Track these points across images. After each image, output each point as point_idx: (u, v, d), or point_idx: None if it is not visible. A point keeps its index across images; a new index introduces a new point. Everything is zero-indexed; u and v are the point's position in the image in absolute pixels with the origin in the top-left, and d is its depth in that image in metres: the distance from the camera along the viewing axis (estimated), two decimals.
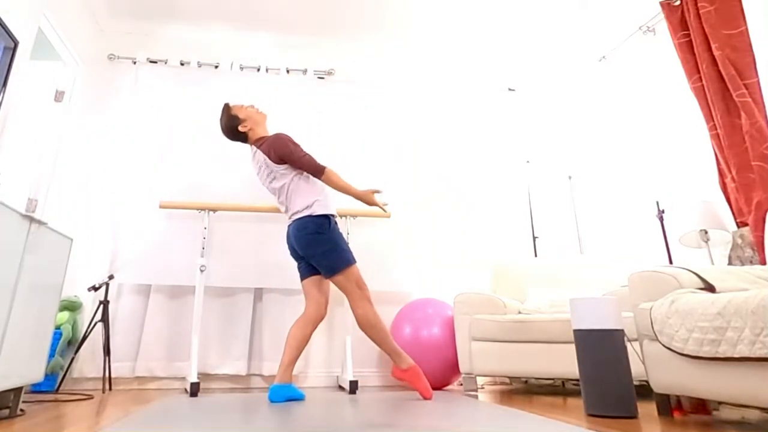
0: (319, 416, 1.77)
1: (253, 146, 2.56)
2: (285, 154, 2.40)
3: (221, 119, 2.59)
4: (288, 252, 2.53)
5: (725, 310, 1.41)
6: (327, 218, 2.39)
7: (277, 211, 2.99)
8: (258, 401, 2.22)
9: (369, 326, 2.33)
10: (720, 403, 1.88)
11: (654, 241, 2.93)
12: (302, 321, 2.39)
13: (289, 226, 2.46)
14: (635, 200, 3.20)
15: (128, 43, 3.53)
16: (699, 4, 2.68)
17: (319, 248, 2.35)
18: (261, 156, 2.48)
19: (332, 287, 2.46)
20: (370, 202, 2.46)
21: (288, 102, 3.50)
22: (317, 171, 2.40)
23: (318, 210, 2.37)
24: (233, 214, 3.15)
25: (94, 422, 1.65)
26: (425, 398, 2.27)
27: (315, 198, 2.40)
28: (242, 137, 2.56)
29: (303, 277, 2.48)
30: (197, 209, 2.99)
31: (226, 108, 2.59)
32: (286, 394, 2.24)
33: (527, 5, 3.47)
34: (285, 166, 2.43)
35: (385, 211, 2.58)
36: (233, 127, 2.55)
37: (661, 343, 1.64)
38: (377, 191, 2.48)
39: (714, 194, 2.60)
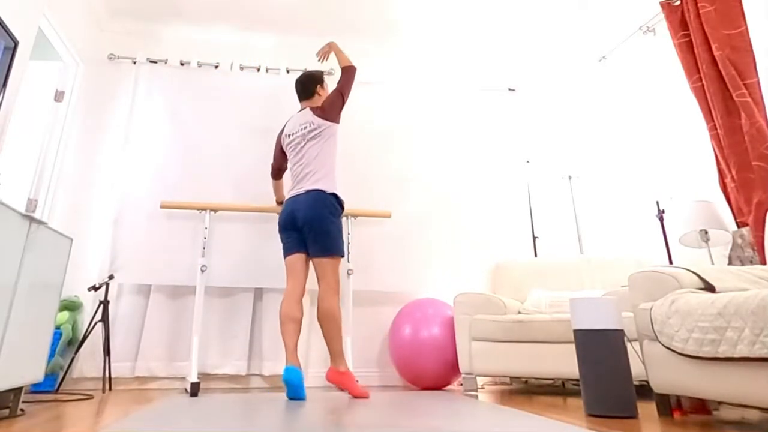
0: (319, 416, 1.77)
1: (306, 108, 2.69)
2: (333, 97, 2.64)
3: (313, 70, 2.81)
4: None
5: (725, 310, 1.41)
6: (342, 206, 2.52)
7: (278, 211, 2.99)
8: (258, 401, 2.22)
9: (330, 319, 2.36)
10: (720, 403, 1.88)
11: (654, 241, 2.93)
12: (294, 301, 2.40)
13: (297, 195, 2.48)
14: (635, 200, 3.20)
15: (128, 43, 3.53)
16: (699, 4, 2.68)
17: (328, 226, 2.42)
18: (312, 117, 2.61)
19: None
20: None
21: (288, 102, 3.49)
22: (352, 69, 2.75)
23: (338, 191, 2.51)
24: (234, 214, 3.15)
25: (94, 422, 1.65)
26: (363, 398, 2.29)
27: (336, 181, 2.54)
28: (308, 95, 2.72)
29: (291, 252, 2.49)
30: (198, 209, 2.99)
31: (323, 73, 2.85)
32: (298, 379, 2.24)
33: (527, 5, 3.47)
34: (334, 125, 2.60)
35: None
36: (316, 82, 2.74)
37: (661, 343, 1.64)
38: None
39: (714, 194, 2.59)
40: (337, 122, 2.62)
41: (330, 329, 2.35)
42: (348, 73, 2.72)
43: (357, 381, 2.38)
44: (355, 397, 2.32)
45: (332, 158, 2.57)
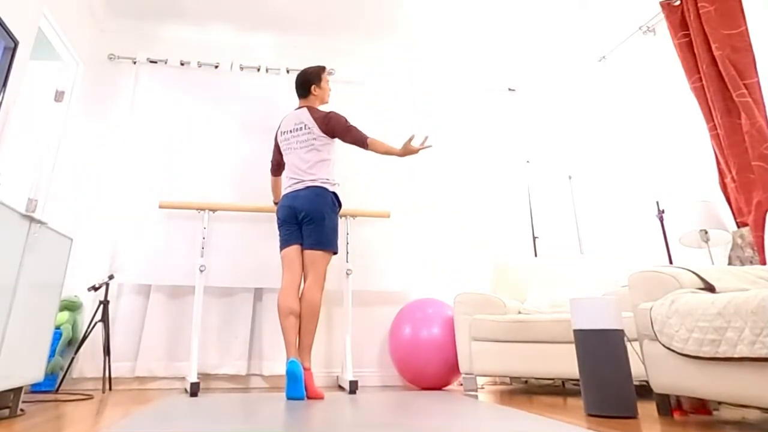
0: (319, 416, 1.77)
1: (302, 107, 2.68)
2: (338, 125, 2.57)
3: (308, 68, 2.76)
4: None
5: (725, 310, 1.41)
6: (340, 204, 2.59)
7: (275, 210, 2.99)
8: (258, 401, 2.22)
9: (312, 313, 2.39)
10: (720, 403, 1.88)
11: (654, 241, 2.93)
12: (293, 293, 2.40)
13: (298, 191, 2.51)
14: (635, 200, 3.20)
15: (128, 43, 3.53)
16: (699, 4, 2.68)
17: (327, 220, 2.48)
18: (308, 118, 2.60)
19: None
20: (415, 151, 2.59)
21: (288, 102, 3.49)
22: (362, 141, 2.55)
23: (337, 192, 2.57)
24: (233, 214, 3.15)
25: (94, 422, 1.65)
26: (318, 398, 2.28)
27: (336, 181, 2.60)
28: (304, 94, 2.72)
29: (289, 244, 2.51)
30: (197, 209, 2.99)
31: (322, 69, 2.78)
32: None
33: (527, 5, 3.47)
34: (328, 138, 2.60)
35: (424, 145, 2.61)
36: (310, 82, 2.71)
37: (661, 343, 1.64)
38: (411, 138, 2.58)
39: (714, 194, 2.59)
40: (332, 138, 2.63)
41: (309, 322, 2.38)
42: (367, 142, 2.55)
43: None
44: (310, 397, 2.29)
45: (330, 159, 2.61)
